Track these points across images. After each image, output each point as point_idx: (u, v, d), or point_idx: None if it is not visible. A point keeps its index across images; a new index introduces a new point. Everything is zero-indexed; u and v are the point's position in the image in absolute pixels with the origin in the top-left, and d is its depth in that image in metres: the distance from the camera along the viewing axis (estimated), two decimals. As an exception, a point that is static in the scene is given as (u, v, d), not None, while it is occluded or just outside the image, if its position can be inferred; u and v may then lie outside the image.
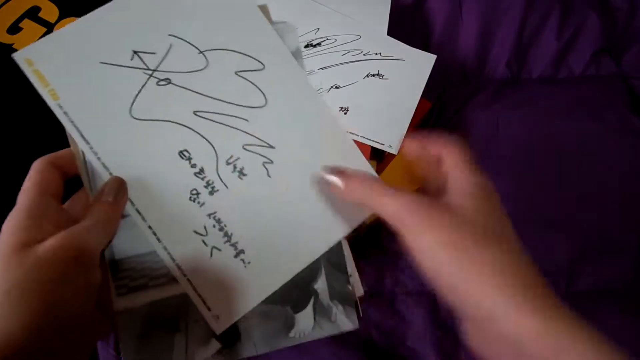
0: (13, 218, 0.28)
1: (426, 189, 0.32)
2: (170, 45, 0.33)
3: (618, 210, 0.52)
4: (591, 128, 0.56)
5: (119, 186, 0.31)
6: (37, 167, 0.30)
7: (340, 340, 0.45)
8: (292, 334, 0.33)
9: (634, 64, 0.61)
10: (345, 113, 0.51)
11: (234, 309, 0.32)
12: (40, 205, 0.29)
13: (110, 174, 0.31)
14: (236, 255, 0.32)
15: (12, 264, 0.26)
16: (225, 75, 0.33)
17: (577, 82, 0.60)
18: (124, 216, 0.31)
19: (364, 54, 0.54)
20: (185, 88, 0.32)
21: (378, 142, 0.51)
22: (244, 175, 0.33)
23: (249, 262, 0.32)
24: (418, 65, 0.54)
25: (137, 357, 0.30)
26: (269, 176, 0.33)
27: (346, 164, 0.33)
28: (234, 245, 0.32)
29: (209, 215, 0.32)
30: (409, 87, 0.53)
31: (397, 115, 0.51)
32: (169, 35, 0.33)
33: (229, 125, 0.33)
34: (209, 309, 0.32)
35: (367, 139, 0.50)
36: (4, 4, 0.53)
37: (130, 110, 0.32)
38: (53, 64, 0.31)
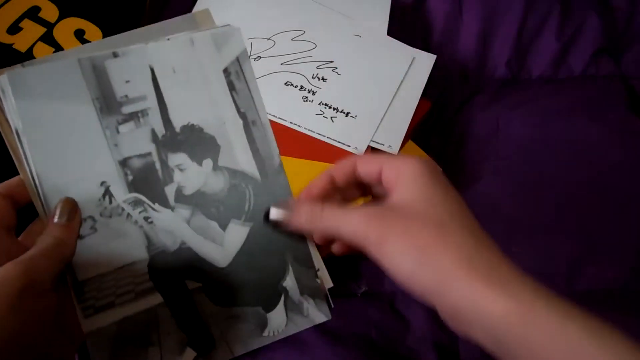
0: None
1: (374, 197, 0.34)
2: None
3: (618, 211, 0.52)
4: (591, 128, 0.56)
5: (72, 207, 0.30)
6: None
7: (340, 340, 0.45)
8: (265, 333, 0.33)
9: (634, 64, 0.61)
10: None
11: None
12: None
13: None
14: None
15: None
16: None
17: (577, 82, 0.60)
18: (81, 237, 0.30)
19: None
20: None
21: (378, 142, 0.50)
22: None
23: None
24: (418, 65, 0.54)
25: None
26: None
27: None
28: None
29: None
30: (409, 87, 0.53)
31: (397, 115, 0.51)
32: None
33: None
34: None
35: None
36: (4, 4, 0.53)
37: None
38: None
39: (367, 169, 0.32)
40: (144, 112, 0.32)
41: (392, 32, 0.56)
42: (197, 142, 0.33)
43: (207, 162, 0.33)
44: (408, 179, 0.29)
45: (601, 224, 0.51)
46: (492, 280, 0.25)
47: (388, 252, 0.28)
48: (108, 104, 0.31)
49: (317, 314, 0.34)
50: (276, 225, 0.32)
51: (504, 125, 0.57)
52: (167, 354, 0.31)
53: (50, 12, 0.53)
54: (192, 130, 0.33)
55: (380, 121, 0.50)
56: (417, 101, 0.52)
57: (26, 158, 0.30)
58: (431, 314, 0.49)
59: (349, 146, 0.49)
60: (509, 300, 0.24)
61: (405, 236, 0.27)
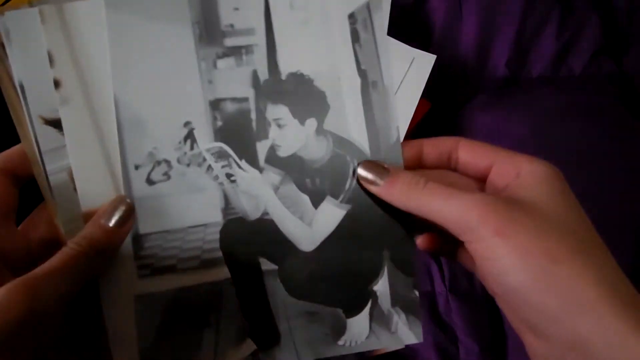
0: None
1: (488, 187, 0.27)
2: None
3: (618, 210, 0.52)
4: (591, 128, 0.56)
5: (129, 209, 0.24)
6: None
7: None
8: (341, 342, 0.28)
9: (634, 64, 0.61)
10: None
11: None
12: None
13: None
14: None
15: None
16: None
17: (577, 82, 0.60)
18: (152, 182, 0.26)
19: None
20: None
21: (378, 142, 0.50)
22: None
23: None
24: (418, 65, 0.54)
25: (155, 353, 0.26)
26: None
27: None
28: None
29: None
30: (409, 87, 0.53)
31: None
32: None
33: None
34: None
35: (367, 139, 0.50)
36: (4, 4, 0.53)
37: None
38: None
39: (474, 155, 0.27)
40: (248, 49, 0.28)
41: (392, 32, 0.56)
42: (303, 95, 0.28)
43: (311, 122, 0.29)
44: (541, 179, 0.24)
45: (601, 223, 0.51)
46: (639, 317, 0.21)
47: (502, 251, 0.22)
48: (209, 31, 0.27)
49: (406, 333, 0.29)
50: (362, 186, 0.27)
51: (504, 125, 0.57)
52: (223, 341, 0.27)
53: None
54: (300, 80, 0.28)
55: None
56: (417, 101, 0.52)
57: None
58: (431, 313, 0.49)
59: None
60: None
61: (532, 238, 0.22)
